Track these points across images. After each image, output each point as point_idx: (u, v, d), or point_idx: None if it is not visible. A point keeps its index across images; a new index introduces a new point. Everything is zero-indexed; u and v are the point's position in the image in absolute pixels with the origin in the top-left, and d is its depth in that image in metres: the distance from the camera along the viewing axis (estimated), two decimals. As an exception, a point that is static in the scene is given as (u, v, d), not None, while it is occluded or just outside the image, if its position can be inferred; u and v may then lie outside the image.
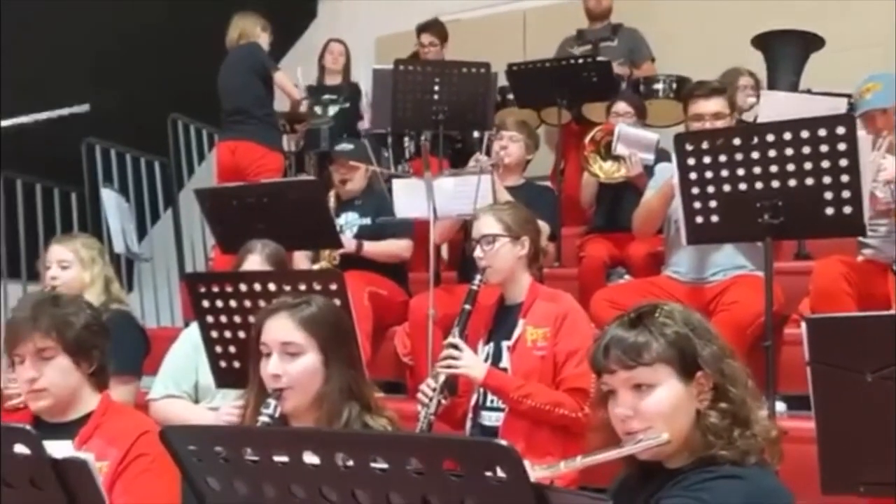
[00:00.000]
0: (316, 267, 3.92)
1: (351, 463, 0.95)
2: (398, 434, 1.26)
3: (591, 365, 1.55)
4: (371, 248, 3.94)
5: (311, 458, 0.98)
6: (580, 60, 4.76)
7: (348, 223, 4.08)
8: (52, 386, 2.00)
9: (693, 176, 2.69)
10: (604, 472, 1.65)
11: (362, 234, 4.03)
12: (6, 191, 5.03)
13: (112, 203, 4.38)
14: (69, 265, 3.08)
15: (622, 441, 1.50)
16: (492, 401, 2.60)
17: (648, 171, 3.71)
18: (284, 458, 1.00)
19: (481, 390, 2.61)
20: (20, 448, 1.10)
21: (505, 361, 2.59)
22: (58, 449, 1.12)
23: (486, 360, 2.60)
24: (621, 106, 4.34)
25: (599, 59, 4.76)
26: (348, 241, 3.83)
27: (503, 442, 0.83)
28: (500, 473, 0.83)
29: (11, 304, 4.69)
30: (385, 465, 0.91)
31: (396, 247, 4.00)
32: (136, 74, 5.73)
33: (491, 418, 2.59)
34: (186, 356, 2.92)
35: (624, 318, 1.52)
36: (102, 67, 5.58)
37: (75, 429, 1.99)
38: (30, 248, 5.05)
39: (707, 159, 2.67)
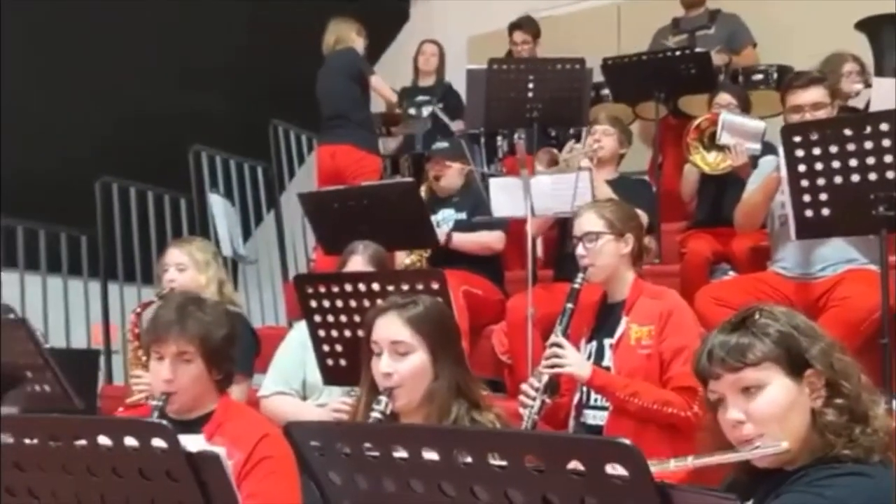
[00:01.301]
0: (407, 261, 3.98)
1: (470, 460, 0.97)
2: (519, 432, 1.28)
3: (696, 374, 1.52)
4: (461, 239, 3.95)
5: (430, 455, 1.01)
6: (677, 53, 4.66)
7: (444, 219, 4.11)
8: (184, 388, 2.10)
9: (802, 168, 2.61)
10: (712, 473, 1.62)
11: (457, 229, 4.04)
12: (120, 198, 5.29)
13: (219, 208, 4.55)
14: (185, 268, 3.21)
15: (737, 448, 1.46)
16: (595, 399, 2.58)
17: (753, 162, 3.60)
18: (404, 454, 1.03)
19: (584, 389, 2.60)
20: (157, 442, 1.17)
21: (608, 360, 2.56)
22: (191, 443, 1.18)
23: (588, 358, 2.58)
24: (724, 97, 4.23)
25: (697, 50, 4.65)
26: (440, 234, 3.85)
27: (626, 441, 0.83)
28: (623, 472, 0.84)
29: (128, 307, 4.95)
30: (504, 463, 0.93)
31: (488, 237, 3.97)
32: (239, 83, 5.94)
33: (595, 417, 2.57)
34: (294, 354, 3.01)
35: (725, 324, 1.49)
36: (206, 77, 5.80)
37: (197, 427, 2.07)
38: (143, 252, 5.30)
39: (816, 151, 2.58)
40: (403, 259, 3.90)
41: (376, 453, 1.06)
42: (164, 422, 1.22)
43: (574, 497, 0.89)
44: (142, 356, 3.10)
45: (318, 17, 5.35)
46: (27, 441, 1.29)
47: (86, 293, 5.13)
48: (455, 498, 1.00)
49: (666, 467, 1.51)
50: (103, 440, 1.21)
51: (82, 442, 1.24)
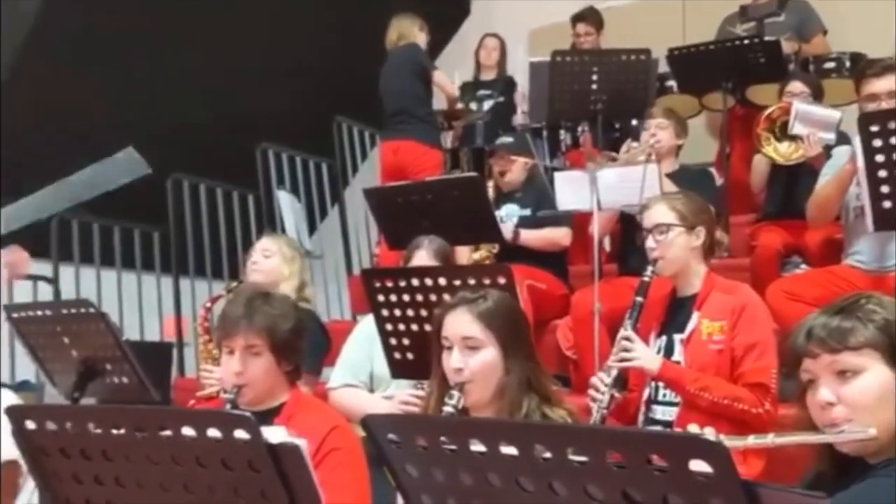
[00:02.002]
0: (475, 256, 3.98)
1: (549, 455, 0.97)
2: (600, 427, 1.27)
3: (789, 350, 1.48)
4: (528, 235, 3.94)
5: (508, 450, 1.01)
6: (746, 41, 4.56)
7: (508, 215, 4.11)
8: (254, 380, 2.14)
9: (879, 158, 2.53)
10: (790, 467, 1.58)
11: (522, 225, 4.03)
12: (191, 195, 5.42)
13: (287, 204, 4.63)
14: (271, 255, 3.28)
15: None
16: (664, 395, 2.55)
17: (826, 152, 3.50)
18: (482, 448, 1.03)
19: (653, 384, 2.57)
20: (240, 433, 1.19)
21: (678, 355, 2.53)
22: (273, 434, 1.20)
23: (657, 353, 2.55)
24: (797, 86, 4.12)
25: (767, 38, 4.54)
26: (506, 231, 3.85)
27: (711, 437, 0.82)
28: (707, 469, 0.83)
29: (199, 301, 5.07)
30: (584, 458, 0.93)
31: (555, 234, 3.97)
32: (304, 81, 6.02)
33: (664, 413, 2.54)
34: (361, 347, 3.05)
35: (828, 306, 1.46)
36: (273, 76, 5.90)
37: (268, 419, 2.11)
38: (213, 248, 5.43)
39: (895, 140, 2.50)
40: (469, 255, 3.91)
41: (454, 447, 1.07)
42: (248, 413, 1.25)
43: (656, 494, 0.88)
44: (212, 349, 3.19)
45: (380, 15, 5.39)
46: (114, 431, 1.34)
47: (158, 288, 5.28)
48: (533, 493, 1.00)
49: (745, 443, 1.46)
50: (187, 431, 1.25)
51: (167, 432, 1.28)
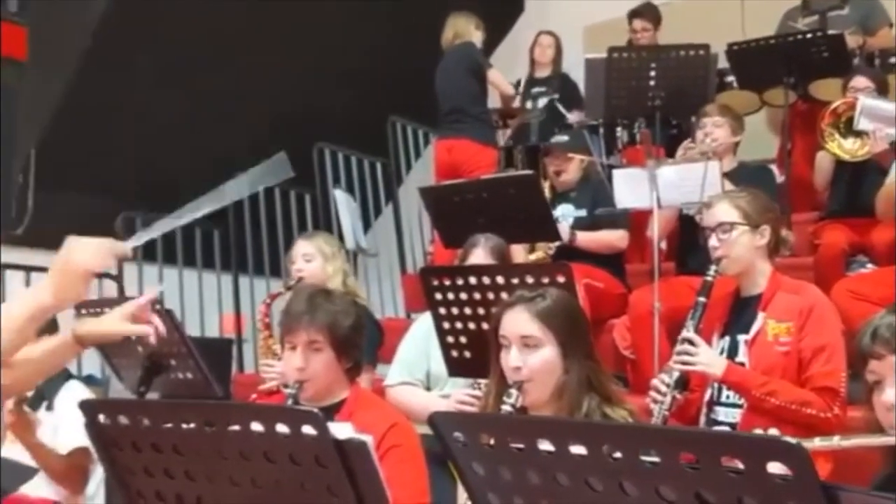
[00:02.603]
0: (532, 257, 3.97)
1: (619, 455, 0.96)
2: (673, 428, 1.25)
3: (855, 351, 1.45)
4: (585, 238, 3.92)
5: (577, 449, 1.01)
6: (808, 35, 4.45)
7: (563, 215, 4.08)
8: (315, 375, 2.18)
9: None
10: (858, 470, 1.54)
11: (578, 225, 4.01)
12: (250, 195, 5.49)
13: (343, 202, 4.67)
14: (312, 258, 3.33)
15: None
16: (727, 396, 2.51)
17: (893, 148, 3.40)
18: (550, 448, 1.03)
19: (716, 385, 2.52)
20: (307, 429, 1.21)
21: (742, 356, 2.48)
22: (339, 430, 1.22)
23: (721, 354, 2.51)
24: (860, 80, 4.01)
25: (830, 32, 4.43)
26: (563, 232, 3.83)
27: (790, 439, 0.80)
28: (785, 471, 0.81)
29: (257, 299, 5.16)
30: (656, 459, 0.92)
31: (612, 237, 3.95)
32: (359, 81, 6.07)
33: (727, 415, 2.49)
34: (418, 345, 3.06)
35: (894, 306, 1.42)
36: (329, 77, 5.96)
37: (330, 415, 2.15)
38: (271, 246, 5.51)
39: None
40: (525, 256, 3.90)
41: (521, 445, 1.07)
42: (316, 409, 1.27)
43: (731, 495, 0.87)
44: (272, 345, 3.24)
45: (435, 14, 5.40)
46: (185, 426, 1.37)
47: (218, 285, 5.37)
48: (602, 493, 1.00)
49: (812, 445, 1.44)
50: (256, 426, 1.27)
51: (236, 427, 1.30)
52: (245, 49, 5.57)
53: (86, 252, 1.52)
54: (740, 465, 0.85)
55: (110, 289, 4.70)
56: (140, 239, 1.65)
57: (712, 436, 0.89)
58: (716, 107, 3.98)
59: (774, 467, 0.84)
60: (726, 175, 3.43)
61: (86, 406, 1.46)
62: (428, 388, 3.06)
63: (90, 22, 5.16)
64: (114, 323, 1.60)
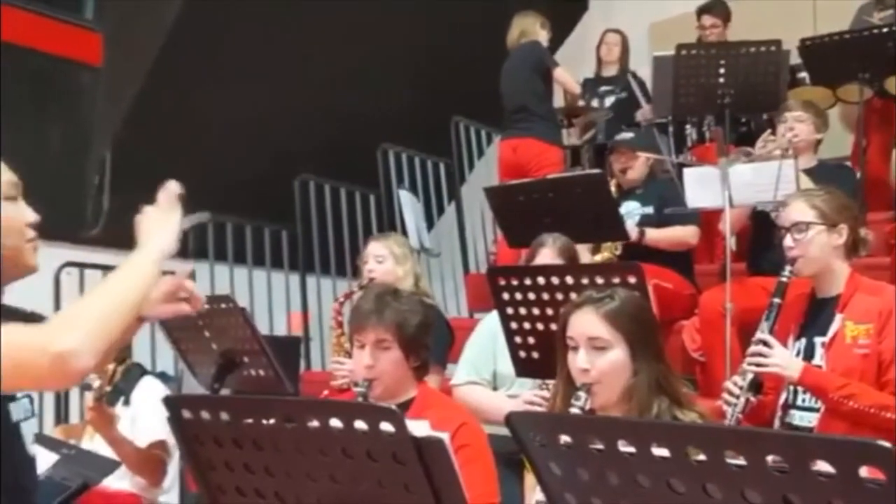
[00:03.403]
0: (597, 258, 3.93)
1: (703, 457, 0.95)
2: (760, 430, 1.24)
3: None
4: (655, 234, 3.85)
5: (659, 451, 1.00)
6: (884, 30, 4.31)
7: (629, 212, 4.02)
8: (383, 374, 2.21)
9: None
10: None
11: (644, 223, 3.95)
12: (316, 195, 5.59)
13: (407, 203, 4.70)
14: (384, 259, 3.36)
15: None
16: (803, 399, 2.44)
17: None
18: (631, 449, 1.03)
19: (791, 388, 2.46)
20: (385, 426, 1.23)
21: (818, 359, 2.41)
22: (417, 428, 1.23)
23: (797, 356, 2.45)
24: (939, 75, 3.87)
25: (908, 25, 4.29)
26: (630, 228, 3.79)
27: (886, 443, 0.78)
28: (879, 476, 0.79)
29: (324, 298, 5.23)
30: (743, 462, 0.90)
31: (683, 233, 3.86)
32: (422, 82, 6.12)
33: (803, 418, 2.43)
34: (484, 345, 3.07)
35: None
36: (393, 78, 6.01)
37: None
38: (337, 246, 5.59)
39: None
40: (590, 258, 3.86)
41: (601, 446, 1.06)
42: (394, 407, 1.28)
43: (820, 500, 0.85)
44: (344, 343, 3.28)
45: (497, 14, 5.40)
46: (265, 422, 1.40)
47: (286, 284, 5.46)
48: (685, 495, 0.99)
49: None
50: (335, 422, 1.29)
51: (315, 423, 1.32)
52: (310, 52, 5.66)
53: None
54: (831, 469, 0.83)
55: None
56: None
57: (802, 438, 0.87)
58: (799, 102, 3.87)
59: (867, 472, 0.82)
60: (805, 172, 3.35)
61: (169, 401, 1.50)
62: (494, 388, 3.07)
63: (163, 27, 5.31)
64: (150, 307, 1.63)
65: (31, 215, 1.60)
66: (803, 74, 4.76)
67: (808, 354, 2.45)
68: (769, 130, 3.81)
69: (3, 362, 1.33)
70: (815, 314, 2.49)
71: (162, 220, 1.60)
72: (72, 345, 1.34)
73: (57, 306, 4.53)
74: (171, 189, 1.64)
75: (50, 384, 1.43)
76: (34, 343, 1.34)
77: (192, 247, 4.89)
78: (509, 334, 2.53)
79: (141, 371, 3.24)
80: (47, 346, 1.34)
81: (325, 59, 5.73)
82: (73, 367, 1.35)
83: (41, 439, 2.32)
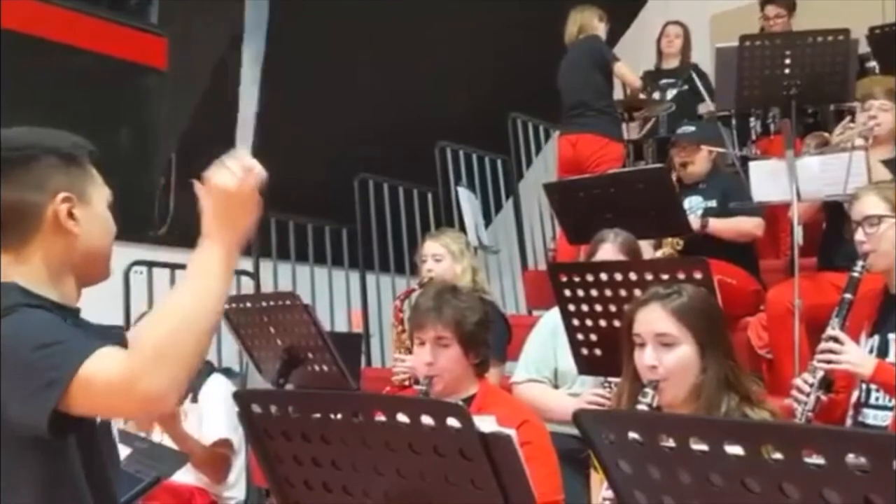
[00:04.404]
0: (658, 254, 3.88)
1: (780, 456, 0.93)
2: (837, 429, 1.21)
3: None
4: (718, 224, 3.78)
5: (733, 449, 0.98)
6: (959, 15, 4.17)
7: (692, 207, 3.96)
8: (443, 370, 2.22)
9: None
10: None
11: (708, 216, 3.89)
12: (375, 194, 5.64)
13: (465, 200, 4.71)
14: (442, 258, 3.38)
15: None
16: (877, 398, 2.38)
17: None
18: (704, 448, 1.01)
19: (864, 386, 2.40)
20: (452, 421, 1.23)
21: (892, 356, 2.35)
22: (484, 423, 1.23)
23: (870, 353, 2.38)
24: None
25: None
26: (693, 220, 3.72)
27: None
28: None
29: (384, 295, 5.28)
30: (821, 461, 0.88)
31: (747, 223, 3.79)
32: (478, 79, 6.11)
33: (877, 417, 2.37)
34: (545, 342, 3.06)
35: None
36: (449, 76, 6.03)
37: (459, 411, 2.17)
38: (396, 244, 5.63)
39: None
40: (651, 252, 3.81)
41: (673, 444, 1.05)
42: (461, 402, 1.28)
43: (905, 501, 0.82)
44: (405, 340, 3.31)
45: (554, 10, 5.37)
46: (332, 416, 1.41)
47: (347, 282, 5.52)
48: (760, 494, 0.97)
49: None
50: (402, 417, 1.29)
51: (382, 418, 1.33)
52: (368, 51, 5.70)
53: (222, 179, 1.41)
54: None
55: (247, 286, 4.90)
56: None
57: (885, 438, 0.85)
58: (884, 90, 3.71)
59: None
60: (884, 164, 3.23)
61: (239, 396, 1.53)
62: (556, 386, 3.05)
63: (228, 30, 5.41)
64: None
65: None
66: (872, 64, 4.62)
67: (882, 352, 2.39)
68: (849, 118, 3.68)
69: (83, 393, 1.29)
70: (888, 310, 2.43)
71: (233, 205, 1.40)
72: (158, 389, 1.30)
73: (127, 305, 4.65)
74: (254, 168, 1.43)
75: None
76: (119, 383, 1.30)
77: (254, 245, 4.99)
78: (571, 331, 2.51)
79: (210, 368, 3.31)
80: (134, 389, 1.29)
81: (381, 59, 5.77)
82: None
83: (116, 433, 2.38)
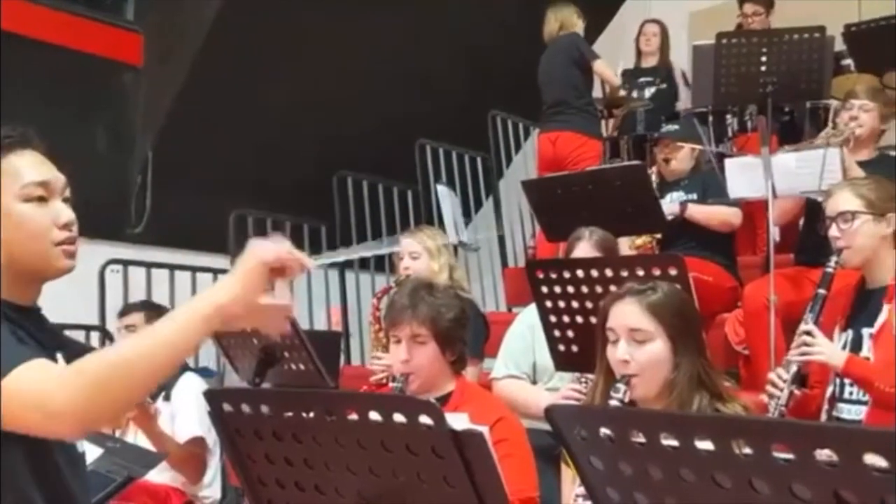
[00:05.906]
0: (638, 242, 3.89)
1: (749, 451, 0.93)
2: (809, 423, 1.21)
3: None
4: (696, 210, 3.79)
5: (704, 445, 0.98)
6: (933, 14, 4.20)
7: (672, 202, 3.99)
8: (419, 368, 2.21)
9: None
10: None
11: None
12: (354, 191, 5.62)
13: (445, 198, 4.69)
14: (418, 255, 3.37)
15: None
16: (850, 392, 2.40)
17: None
18: (674, 443, 1.00)
19: (838, 381, 2.42)
20: (424, 419, 1.22)
21: (866, 350, 2.36)
22: (455, 421, 1.22)
23: (843, 348, 2.40)
24: None
25: (959, 8, 4.17)
26: (670, 206, 3.72)
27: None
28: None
29: (363, 293, 5.25)
30: (791, 456, 0.88)
31: (726, 211, 3.78)
32: (458, 77, 6.11)
33: (851, 411, 2.38)
34: (523, 338, 3.05)
35: None
36: (429, 74, 6.01)
37: (436, 408, 2.17)
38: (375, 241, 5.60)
39: None
40: (631, 241, 3.82)
41: (643, 440, 1.04)
42: (433, 400, 1.27)
43: (873, 496, 0.82)
44: (382, 338, 3.29)
45: (533, 8, 5.37)
46: (304, 415, 1.40)
47: (326, 280, 5.49)
48: (730, 490, 0.97)
49: None
50: (374, 415, 1.29)
51: (354, 416, 1.32)
52: (348, 49, 5.68)
53: (262, 246, 1.35)
54: (883, 463, 0.80)
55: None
56: (320, 259, 1.55)
57: (853, 431, 0.85)
58: (865, 89, 3.69)
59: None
60: (864, 165, 3.24)
61: (210, 395, 1.51)
62: (534, 382, 3.05)
63: (202, 26, 5.37)
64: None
65: (66, 216, 1.46)
66: (848, 61, 4.65)
67: (856, 346, 2.40)
68: (831, 125, 3.67)
69: (4, 405, 1.25)
70: (862, 305, 2.45)
71: (255, 284, 1.32)
72: (63, 408, 1.24)
73: (102, 303, 4.61)
74: (301, 259, 1.35)
75: (43, 435, 1.34)
76: (34, 395, 1.25)
77: (232, 243, 4.96)
78: (548, 328, 2.51)
79: (183, 366, 3.28)
80: (44, 403, 1.24)
81: (362, 56, 5.74)
82: (60, 429, 1.26)
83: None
